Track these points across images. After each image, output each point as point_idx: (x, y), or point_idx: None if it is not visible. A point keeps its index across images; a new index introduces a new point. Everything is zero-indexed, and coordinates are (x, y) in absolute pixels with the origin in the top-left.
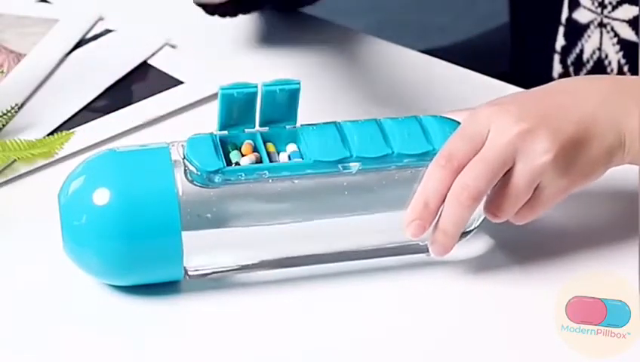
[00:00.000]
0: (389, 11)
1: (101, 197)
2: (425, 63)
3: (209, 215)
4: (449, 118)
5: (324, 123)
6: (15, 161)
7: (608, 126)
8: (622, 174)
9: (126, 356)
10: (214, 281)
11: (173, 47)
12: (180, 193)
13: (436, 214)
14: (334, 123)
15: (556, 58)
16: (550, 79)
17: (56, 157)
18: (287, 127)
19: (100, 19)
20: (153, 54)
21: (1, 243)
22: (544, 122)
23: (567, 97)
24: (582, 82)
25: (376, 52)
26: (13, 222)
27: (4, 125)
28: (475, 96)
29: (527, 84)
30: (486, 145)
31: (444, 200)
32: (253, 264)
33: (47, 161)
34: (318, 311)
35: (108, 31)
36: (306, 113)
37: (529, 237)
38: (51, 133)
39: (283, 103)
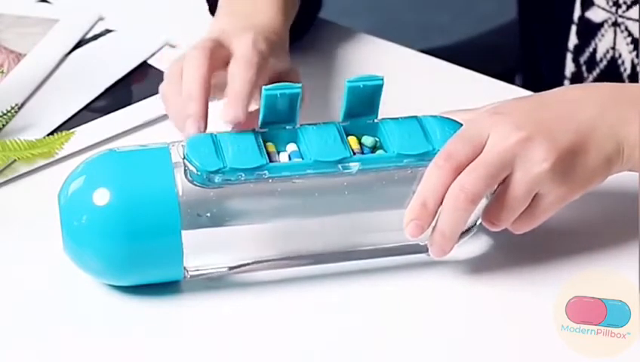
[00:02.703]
0: (389, 11)
1: (101, 197)
2: (425, 63)
3: (209, 214)
4: (449, 118)
5: (324, 123)
6: (15, 161)
7: (607, 134)
8: (622, 174)
9: (126, 356)
10: (214, 281)
11: (173, 47)
12: (180, 193)
13: (435, 214)
14: (334, 123)
15: (569, 57)
16: (562, 77)
17: (57, 157)
18: (287, 127)
19: (100, 19)
20: (153, 54)
21: (1, 244)
22: (542, 131)
23: (567, 106)
24: (581, 91)
25: (376, 52)
26: (13, 222)
27: (4, 125)
28: (476, 96)
29: (537, 82)
30: (485, 150)
31: (442, 201)
32: (253, 264)
33: (47, 161)
34: (318, 311)
35: (108, 31)
36: (306, 113)
37: (529, 237)
38: (51, 133)
39: (284, 107)
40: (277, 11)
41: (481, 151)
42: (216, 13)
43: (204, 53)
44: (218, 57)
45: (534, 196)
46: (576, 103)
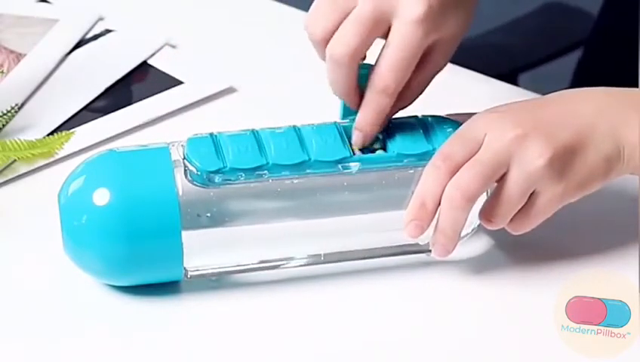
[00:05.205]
0: None
1: (101, 197)
2: None
3: (209, 214)
4: (449, 118)
5: (324, 123)
6: (15, 161)
7: (606, 134)
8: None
9: (126, 356)
10: (214, 281)
11: (173, 47)
12: (180, 193)
13: (434, 214)
14: (334, 123)
15: None
16: None
17: (56, 157)
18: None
19: (100, 19)
20: (153, 54)
21: (1, 244)
22: (540, 128)
23: (565, 107)
24: (581, 93)
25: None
26: (13, 223)
27: (4, 125)
28: (476, 96)
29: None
30: (481, 149)
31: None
32: (253, 264)
33: (47, 161)
34: (318, 311)
35: (108, 31)
36: (306, 113)
37: (529, 237)
38: (51, 133)
39: None
40: None
41: (478, 150)
42: None
43: (360, 31)
44: (377, 32)
45: (531, 195)
46: (577, 104)
